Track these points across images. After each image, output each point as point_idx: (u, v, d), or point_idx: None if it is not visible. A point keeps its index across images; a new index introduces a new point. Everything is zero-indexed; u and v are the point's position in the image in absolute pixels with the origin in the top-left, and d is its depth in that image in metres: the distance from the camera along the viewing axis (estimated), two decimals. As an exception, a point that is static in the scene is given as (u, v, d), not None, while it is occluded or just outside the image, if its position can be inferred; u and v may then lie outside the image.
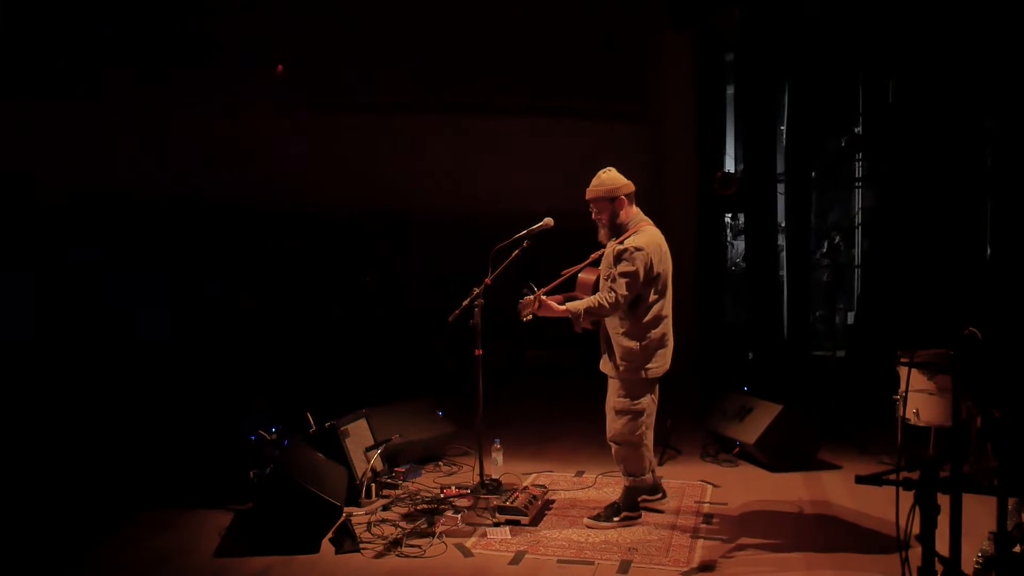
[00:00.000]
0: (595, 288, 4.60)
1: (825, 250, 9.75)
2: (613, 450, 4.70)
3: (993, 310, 7.73)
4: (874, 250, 9.34)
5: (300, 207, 9.41)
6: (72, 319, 8.78)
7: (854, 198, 9.89)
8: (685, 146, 9.28)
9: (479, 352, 4.94)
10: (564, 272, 4.71)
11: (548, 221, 4.85)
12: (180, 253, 9.29)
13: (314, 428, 5.17)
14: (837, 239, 9.68)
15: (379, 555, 4.24)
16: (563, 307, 4.45)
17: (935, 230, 8.45)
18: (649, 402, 4.59)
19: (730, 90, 9.94)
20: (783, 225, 9.59)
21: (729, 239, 10.06)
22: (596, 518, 4.68)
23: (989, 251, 8.51)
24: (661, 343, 4.53)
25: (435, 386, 6.93)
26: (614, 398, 4.63)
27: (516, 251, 4.82)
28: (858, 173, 9.76)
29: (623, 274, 4.39)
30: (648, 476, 4.73)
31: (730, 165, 9.99)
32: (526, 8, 9.45)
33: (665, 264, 4.55)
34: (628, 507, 4.69)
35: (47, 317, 8.73)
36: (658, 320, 4.51)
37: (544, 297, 4.47)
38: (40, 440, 6.34)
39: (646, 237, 4.48)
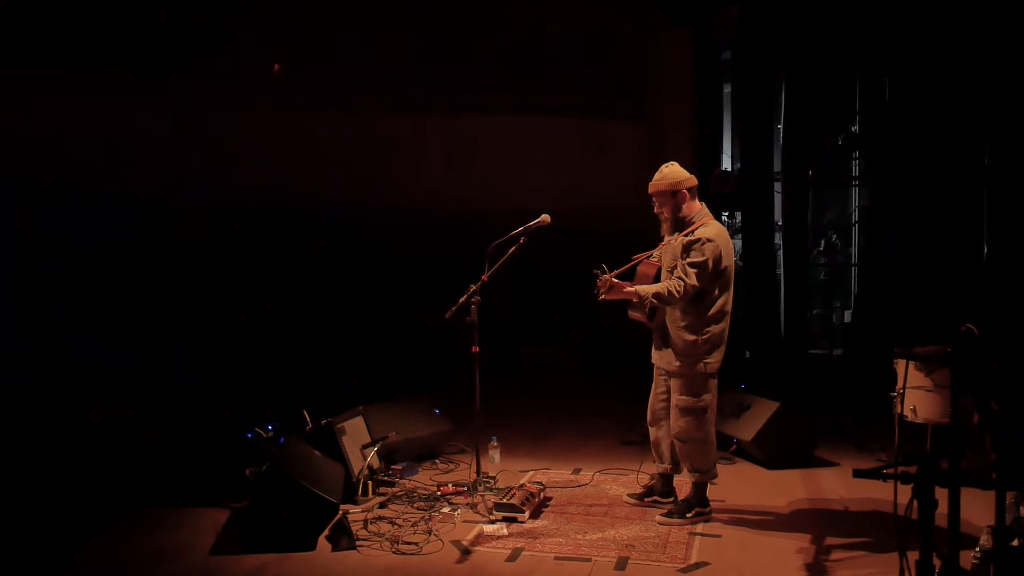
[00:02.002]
0: (655, 281, 4.57)
1: (822, 248, 9.75)
2: (677, 447, 4.69)
3: (991, 308, 7.74)
4: (871, 248, 9.34)
5: (298, 205, 9.40)
6: (68, 317, 8.75)
7: (851, 196, 9.90)
8: (682, 144, 9.26)
9: (476, 349, 4.93)
10: (635, 257, 4.70)
11: (545, 218, 4.85)
12: (177, 252, 9.27)
13: (311, 426, 5.17)
14: (834, 237, 9.69)
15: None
16: (631, 288, 4.46)
17: (932, 228, 8.46)
18: (711, 398, 4.59)
19: (727, 88, 9.94)
20: (780, 223, 9.59)
21: (726, 237, 10.05)
22: (668, 515, 4.68)
23: (986, 249, 8.51)
24: (721, 338, 4.53)
25: (432, 383, 6.91)
26: (676, 396, 4.61)
27: (513, 248, 4.82)
28: (855, 171, 9.77)
29: (692, 264, 4.39)
30: (715, 470, 4.72)
31: (727, 163, 9.98)
32: (524, 7, 9.45)
33: (731, 259, 4.55)
34: (699, 503, 4.68)
35: (44, 315, 8.70)
36: (721, 315, 4.51)
37: (614, 279, 4.46)
38: (36, 438, 6.32)
39: (715, 229, 4.49)
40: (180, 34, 9.34)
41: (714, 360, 4.53)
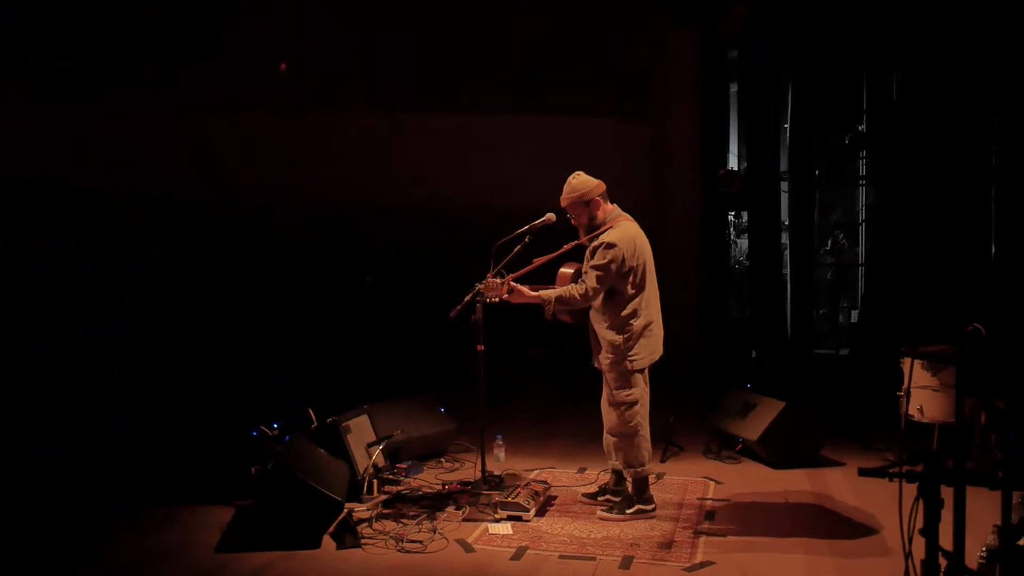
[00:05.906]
0: (575, 281, 4.68)
1: (828, 248, 9.72)
2: (612, 442, 4.76)
3: (998, 308, 7.70)
4: (878, 248, 9.30)
5: (299, 205, 9.40)
6: (68, 316, 8.76)
7: (858, 196, 9.86)
8: (688, 144, 9.24)
9: (481, 348, 4.93)
10: (536, 260, 4.77)
11: (550, 216, 4.86)
12: (179, 251, 9.29)
13: (316, 424, 5.18)
14: (841, 237, 9.65)
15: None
16: (535, 293, 4.59)
17: (939, 228, 8.42)
18: (640, 392, 4.66)
19: (733, 88, 9.91)
20: (786, 223, 9.56)
21: (732, 237, 10.03)
22: (609, 510, 4.73)
23: (994, 249, 8.47)
24: (643, 334, 4.62)
25: (437, 382, 6.91)
26: (607, 391, 4.73)
27: (518, 246, 4.82)
28: (862, 171, 9.72)
29: (594, 267, 4.53)
30: (650, 466, 4.76)
31: (733, 163, 9.96)
32: (528, 6, 9.43)
33: (642, 258, 4.63)
34: (641, 500, 4.72)
35: (45, 312, 8.72)
36: (637, 312, 4.60)
37: (515, 283, 4.58)
38: (42, 437, 6.34)
39: (619, 232, 4.58)
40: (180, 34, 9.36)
41: (639, 356, 4.60)
